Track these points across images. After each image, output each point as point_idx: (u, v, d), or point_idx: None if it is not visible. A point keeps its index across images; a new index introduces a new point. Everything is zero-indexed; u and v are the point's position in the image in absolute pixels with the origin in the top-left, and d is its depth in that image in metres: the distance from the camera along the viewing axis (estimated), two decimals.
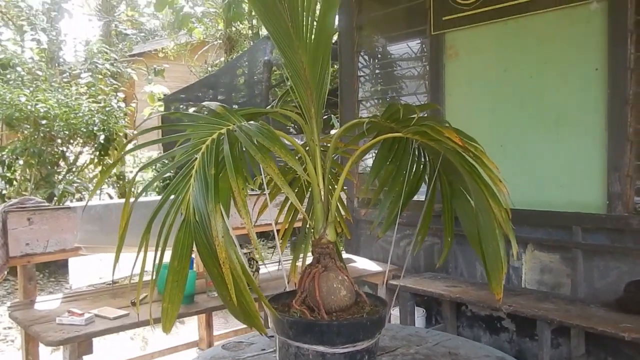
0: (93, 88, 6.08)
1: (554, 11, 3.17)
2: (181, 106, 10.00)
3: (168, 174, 8.89)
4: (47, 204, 2.79)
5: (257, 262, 2.96)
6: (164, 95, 9.93)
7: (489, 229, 1.19)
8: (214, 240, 1.11)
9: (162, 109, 10.27)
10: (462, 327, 3.71)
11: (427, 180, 1.61)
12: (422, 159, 1.57)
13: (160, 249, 1.25)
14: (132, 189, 8.16)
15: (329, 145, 1.51)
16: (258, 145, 1.17)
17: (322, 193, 1.40)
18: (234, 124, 1.28)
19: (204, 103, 1.41)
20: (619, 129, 2.96)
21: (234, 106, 7.89)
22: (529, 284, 3.40)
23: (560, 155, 3.22)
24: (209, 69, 10.82)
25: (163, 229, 1.24)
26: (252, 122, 1.29)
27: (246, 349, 1.76)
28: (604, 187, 3.03)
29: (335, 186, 1.60)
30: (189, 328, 4.02)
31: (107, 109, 5.49)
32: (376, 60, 4.44)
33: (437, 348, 1.77)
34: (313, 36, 1.31)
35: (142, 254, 1.28)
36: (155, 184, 8.80)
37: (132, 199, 1.31)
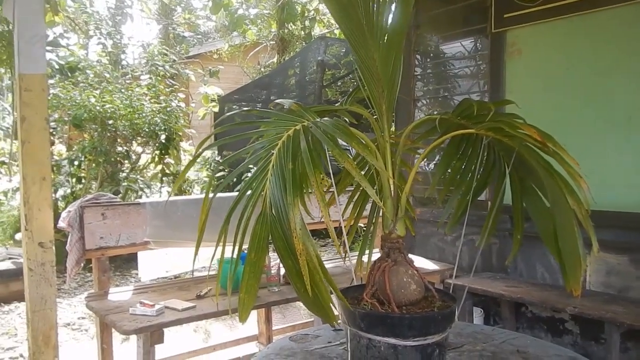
0: (154, 89, 6.31)
1: (624, 6, 3.06)
2: (234, 106, 10.22)
3: (221, 174, 9.12)
4: (119, 200, 2.93)
5: None
6: (218, 96, 10.17)
7: (567, 226, 1.18)
8: (292, 233, 1.15)
9: (216, 109, 10.51)
10: (522, 329, 3.63)
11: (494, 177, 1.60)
12: (492, 156, 1.56)
13: (238, 241, 1.30)
14: (188, 188, 8.40)
15: (398, 142, 1.52)
16: (334, 141, 1.21)
17: (392, 189, 1.42)
18: (308, 121, 1.32)
19: (277, 100, 1.45)
20: None
21: None
22: (594, 286, 3.29)
23: (630, 154, 3.11)
24: (262, 69, 11.00)
25: (241, 222, 1.29)
26: (326, 118, 1.33)
27: (313, 341, 1.80)
28: None
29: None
30: (249, 322, 4.10)
31: (168, 109, 5.70)
32: (430, 60, 4.41)
33: (504, 346, 1.75)
34: (387, 34, 1.34)
35: (220, 246, 1.34)
36: (212, 182, 9.03)
37: (210, 195, 1.37)
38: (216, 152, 10.09)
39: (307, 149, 1.20)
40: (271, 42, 10.56)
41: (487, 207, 3.44)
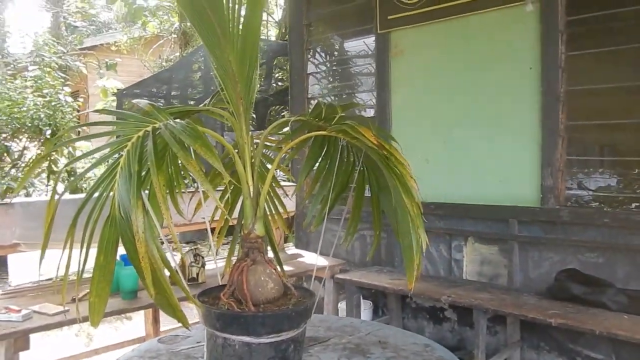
0: (40, 81, 5.91)
1: (493, 11, 3.30)
2: (134, 101, 9.83)
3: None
4: None
5: (202, 257, 2.98)
6: (117, 89, 9.75)
7: (405, 223, 1.26)
8: (135, 236, 1.14)
9: (114, 104, 10.05)
10: (407, 319, 3.82)
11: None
12: (352, 157, 1.63)
13: (85, 244, 1.27)
14: (85, 186, 7.98)
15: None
16: (180, 143, 1.21)
17: (251, 190, 1.44)
18: (160, 122, 1.30)
19: (134, 101, 1.42)
20: (552, 125, 3.11)
21: (189, 102, 7.81)
22: (470, 275, 3.53)
23: (498, 151, 3.36)
24: (164, 64, 10.65)
25: (88, 224, 1.26)
26: (178, 120, 1.32)
27: (182, 342, 1.78)
28: (538, 181, 3.18)
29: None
30: (136, 324, 3.99)
31: (53, 103, 5.36)
32: (327, 58, 4.50)
33: (369, 337, 1.84)
34: (240, 35, 1.35)
35: (67, 250, 1.30)
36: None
37: (58, 196, 1.32)
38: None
39: (152, 150, 1.19)
40: (173, 36, 10.25)
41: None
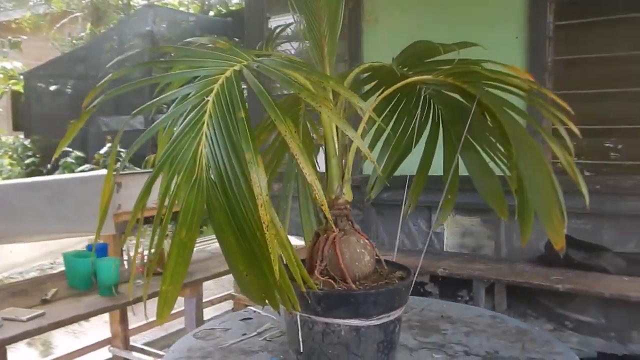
0: None
1: None
2: (40, 84, 8.92)
3: (31, 160, 7.99)
4: None
5: None
6: (19, 73, 8.91)
7: (540, 178, 1.08)
8: (257, 199, 0.88)
9: (17, 87, 9.19)
10: None
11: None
12: (424, 112, 1.44)
13: (164, 218, 0.98)
14: None
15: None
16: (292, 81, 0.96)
17: (337, 147, 1.22)
18: (247, 60, 1.04)
19: (191, 39, 1.14)
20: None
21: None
22: (451, 247, 3.48)
23: None
24: (74, 42, 9.77)
25: (168, 194, 0.97)
26: (265, 58, 1.07)
27: (224, 336, 1.52)
28: None
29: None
30: (97, 325, 3.53)
31: None
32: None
33: (427, 313, 1.68)
34: None
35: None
36: (18, 170, 7.87)
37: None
38: (22, 136, 8.87)
39: (262, 91, 0.93)
40: (84, 12, 9.41)
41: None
